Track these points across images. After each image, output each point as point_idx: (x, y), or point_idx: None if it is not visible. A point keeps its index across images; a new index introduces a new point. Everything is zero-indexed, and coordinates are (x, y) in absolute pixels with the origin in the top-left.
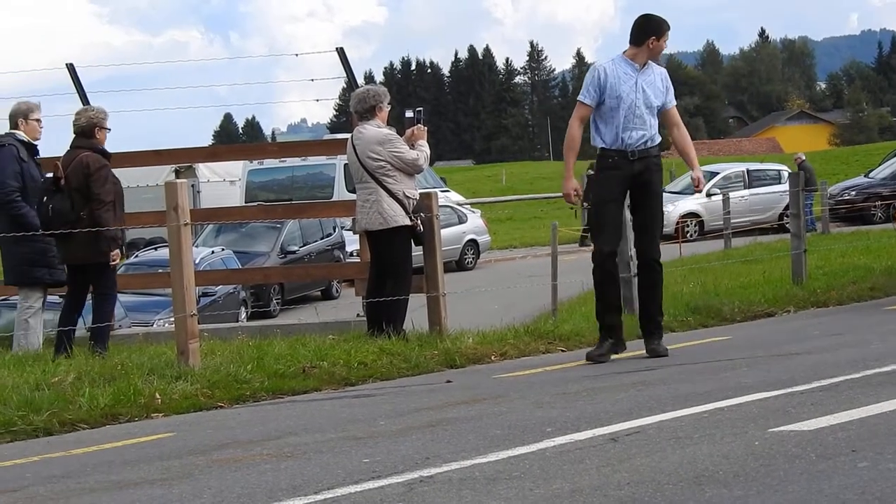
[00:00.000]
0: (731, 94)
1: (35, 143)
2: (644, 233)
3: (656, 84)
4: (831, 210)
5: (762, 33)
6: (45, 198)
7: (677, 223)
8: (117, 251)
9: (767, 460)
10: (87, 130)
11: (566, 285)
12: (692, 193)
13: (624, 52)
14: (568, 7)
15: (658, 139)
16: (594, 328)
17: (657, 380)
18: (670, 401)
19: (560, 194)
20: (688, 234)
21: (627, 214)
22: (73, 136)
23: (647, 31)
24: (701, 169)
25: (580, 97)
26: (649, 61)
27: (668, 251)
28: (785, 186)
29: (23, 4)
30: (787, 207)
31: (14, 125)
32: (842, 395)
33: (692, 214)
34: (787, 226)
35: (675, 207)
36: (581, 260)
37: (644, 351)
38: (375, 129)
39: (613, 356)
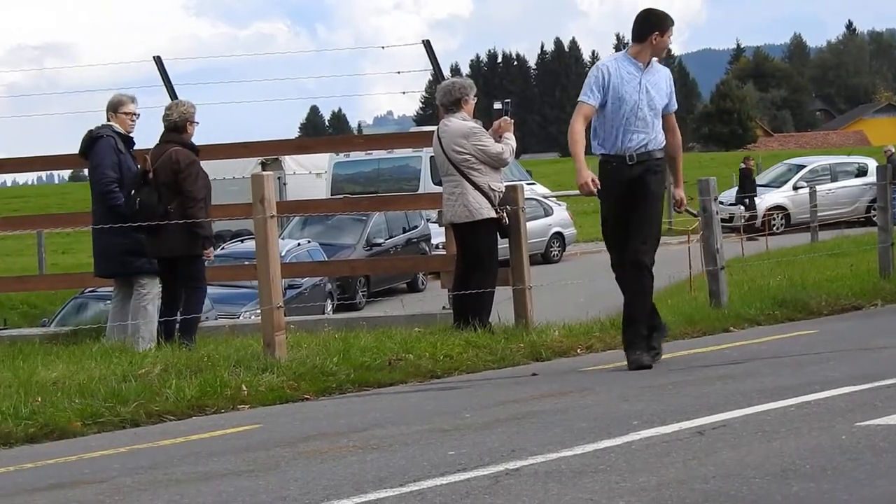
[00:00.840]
0: (819, 86)
1: (129, 135)
2: (635, 234)
3: (660, 85)
4: None
5: (849, 26)
6: (132, 191)
7: (764, 216)
8: (211, 248)
9: (855, 454)
10: (180, 125)
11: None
12: (779, 186)
13: (626, 51)
14: (653, 0)
15: (662, 142)
16: (679, 321)
17: (743, 373)
18: (756, 394)
19: None
20: (774, 227)
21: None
22: (164, 130)
23: (650, 26)
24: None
25: (582, 97)
26: (653, 60)
27: (754, 244)
28: (871, 179)
29: (105, 1)
30: (873, 200)
31: (107, 117)
32: None
33: (779, 207)
34: (874, 219)
35: (762, 200)
36: (666, 253)
37: (722, 346)
38: (460, 122)
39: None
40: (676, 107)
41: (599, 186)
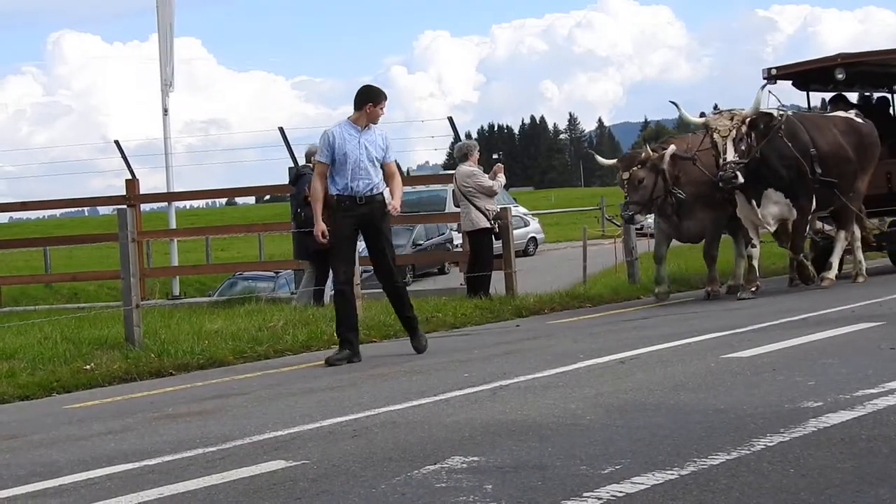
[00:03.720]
0: None
1: None
2: (379, 261)
3: (377, 143)
4: None
5: (716, 107)
6: (298, 209)
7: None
8: None
9: (719, 375)
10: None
11: (592, 265)
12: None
13: (349, 118)
14: (594, 91)
15: (382, 187)
16: (609, 292)
17: (650, 325)
18: (657, 338)
19: (586, 208)
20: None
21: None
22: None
23: (365, 98)
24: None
25: (317, 157)
26: (370, 124)
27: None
28: None
29: (248, 91)
30: None
31: (308, 160)
32: (767, 335)
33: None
34: None
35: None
36: (602, 250)
37: (636, 308)
38: (466, 168)
39: (347, 364)
40: (393, 158)
41: (329, 236)
